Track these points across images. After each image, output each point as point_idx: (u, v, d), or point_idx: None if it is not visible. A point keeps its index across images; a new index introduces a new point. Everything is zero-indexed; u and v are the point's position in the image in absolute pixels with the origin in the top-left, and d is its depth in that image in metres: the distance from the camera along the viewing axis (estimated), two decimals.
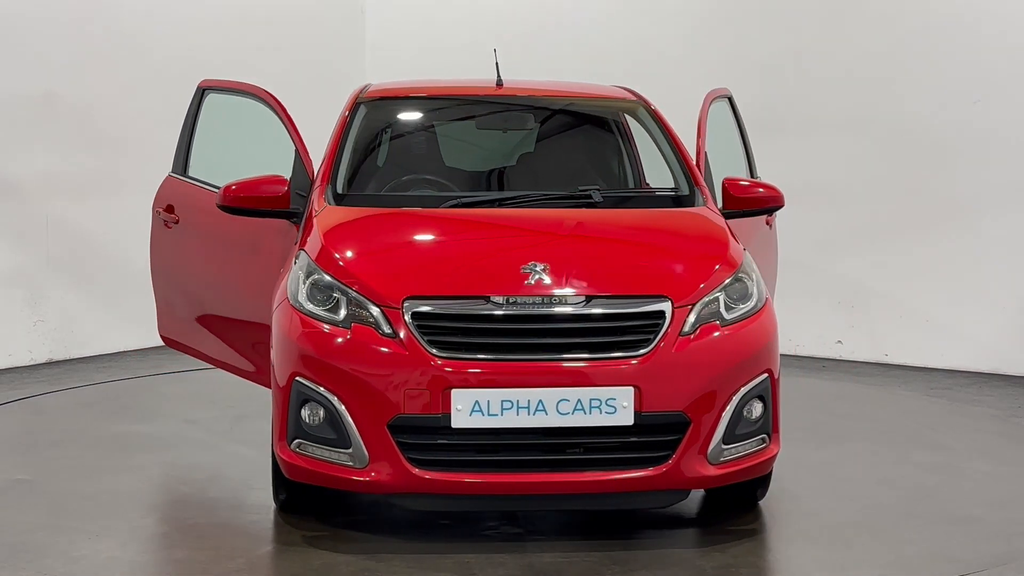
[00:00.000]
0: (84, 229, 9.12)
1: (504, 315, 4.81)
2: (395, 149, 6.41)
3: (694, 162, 5.97)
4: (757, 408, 5.02)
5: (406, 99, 6.52)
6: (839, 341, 9.29)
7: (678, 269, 5.13)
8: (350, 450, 4.84)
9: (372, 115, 6.28)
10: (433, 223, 5.45)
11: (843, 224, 9.27)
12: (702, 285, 5.00)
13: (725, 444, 4.92)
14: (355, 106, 6.23)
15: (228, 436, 6.79)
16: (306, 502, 5.34)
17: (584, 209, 5.57)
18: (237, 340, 6.22)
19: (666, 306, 4.89)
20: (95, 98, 9.14)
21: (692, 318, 4.92)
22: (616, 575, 4.73)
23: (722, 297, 5.03)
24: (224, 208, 5.69)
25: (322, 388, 4.86)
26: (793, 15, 9.51)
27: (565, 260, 5.03)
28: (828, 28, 9.38)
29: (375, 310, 4.86)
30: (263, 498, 5.51)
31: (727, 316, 5.01)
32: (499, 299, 4.83)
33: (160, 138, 9.54)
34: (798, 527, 5.38)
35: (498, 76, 6.51)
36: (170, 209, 6.48)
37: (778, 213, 6.71)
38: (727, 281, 5.08)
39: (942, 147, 8.95)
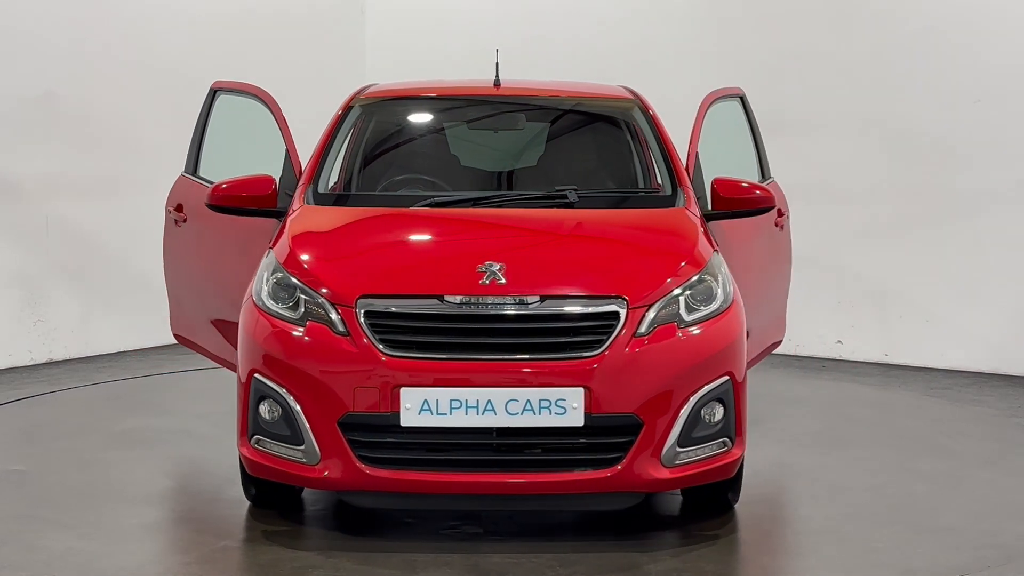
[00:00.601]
0: (84, 229, 9.12)
1: (456, 315, 4.83)
2: (386, 149, 6.45)
3: (684, 163, 5.94)
4: (717, 411, 4.96)
5: (400, 100, 6.54)
6: (839, 341, 9.29)
7: (636, 270, 5.08)
8: (303, 447, 4.88)
9: (365, 116, 6.34)
10: (398, 223, 5.49)
11: (843, 224, 9.27)
12: (660, 286, 4.96)
13: (681, 447, 4.88)
14: (348, 107, 6.29)
15: (226, 434, 6.78)
16: (275, 497, 5.40)
17: (556, 209, 5.55)
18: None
19: (620, 307, 4.87)
20: (95, 98, 9.14)
21: (648, 319, 4.89)
22: (565, 571, 4.72)
23: (683, 298, 4.99)
24: (212, 207, 5.77)
25: (277, 385, 4.92)
26: (794, 16, 9.51)
27: (522, 260, 5.05)
28: (828, 28, 9.38)
29: (331, 309, 4.90)
30: (241, 493, 5.53)
31: (687, 317, 4.97)
32: (453, 299, 4.85)
33: (160, 138, 9.55)
34: (763, 533, 5.33)
35: (496, 76, 6.52)
36: (179, 208, 6.56)
37: None
38: (689, 282, 5.04)
39: (942, 147, 8.95)
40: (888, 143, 9.17)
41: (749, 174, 6.89)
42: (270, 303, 5.06)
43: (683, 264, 5.10)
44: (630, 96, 6.40)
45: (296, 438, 4.90)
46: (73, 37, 8.98)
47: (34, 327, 8.86)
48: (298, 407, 4.87)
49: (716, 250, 5.33)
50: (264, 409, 4.99)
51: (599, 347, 4.81)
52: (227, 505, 5.55)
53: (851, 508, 5.64)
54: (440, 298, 4.85)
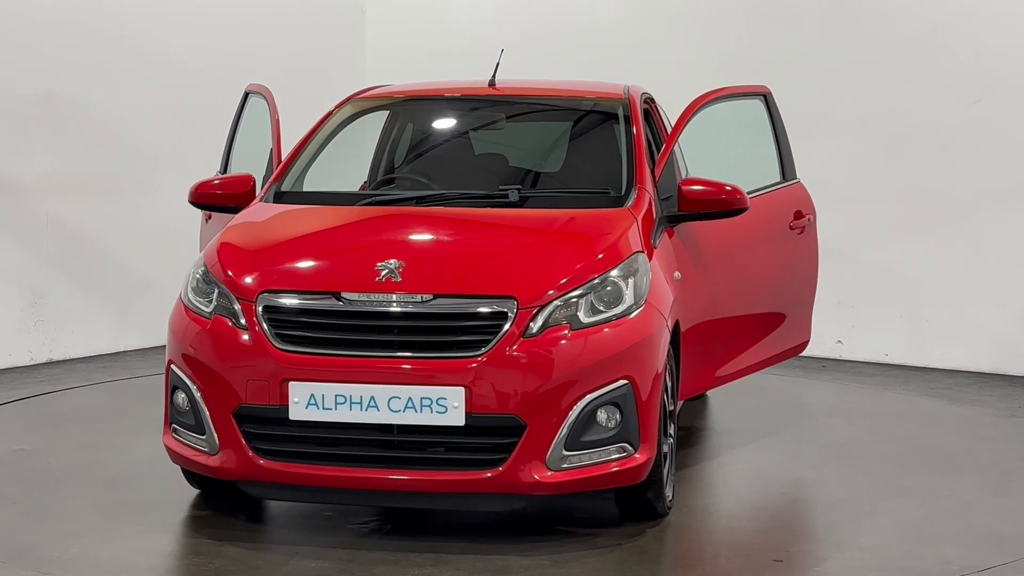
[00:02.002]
0: (84, 229, 9.12)
1: (347, 311, 4.89)
2: (374, 148, 6.60)
3: (652, 162, 5.86)
4: (613, 415, 4.88)
5: (392, 100, 6.66)
6: (839, 341, 9.29)
7: (533, 270, 5.01)
8: (205, 436, 5.03)
9: (355, 116, 6.46)
10: (319, 222, 5.57)
11: (843, 224, 9.26)
12: (554, 287, 4.92)
13: (568, 450, 4.83)
14: (338, 107, 6.43)
15: None
16: (215, 487, 5.46)
17: (483, 209, 5.55)
18: None
19: (509, 307, 4.85)
20: (95, 98, 9.13)
21: (539, 320, 4.85)
22: (417, 573, 4.71)
23: (584, 299, 4.95)
24: (194, 204, 6.02)
25: (186, 376, 5.08)
26: (794, 15, 9.51)
27: (422, 258, 5.08)
28: (828, 28, 9.38)
29: (235, 303, 5.03)
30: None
31: (585, 319, 4.91)
32: (350, 296, 4.90)
33: (160, 138, 9.55)
34: (662, 543, 5.12)
35: (493, 76, 6.55)
36: None
37: None
38: (592, 283, 4.98)
39: (942, 147, 8.95)
40: (888, 143, 9.16)
41: (770, 175, 6.88)
42: (191, 297, 5.22)
43: (587, 264, 5.03)
44: (619, 95, 6.29)
45: (199, 428, 5.05)
46: (73, 37, 8.97)
47: (34, 327, 8.85)
48: (200, 397, 5.01)
49: (641, 251, 5.21)
50: (177, 399, 5.17)
51: (483, 347, 4.80)
52: (189, 491, 5.61)
53: (796, 519, 5.60)
54: (337, 295, 4.92)
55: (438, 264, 5.06)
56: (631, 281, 5.06)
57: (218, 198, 5.95)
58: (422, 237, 5.36)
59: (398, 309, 4.87)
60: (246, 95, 6.94)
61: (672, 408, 5.49)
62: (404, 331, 4.86)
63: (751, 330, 6.56)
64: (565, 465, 4.84)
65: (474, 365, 4.76)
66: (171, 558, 5.01)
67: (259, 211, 5.73)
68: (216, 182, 6.02)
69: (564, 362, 4.82)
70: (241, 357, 4.93)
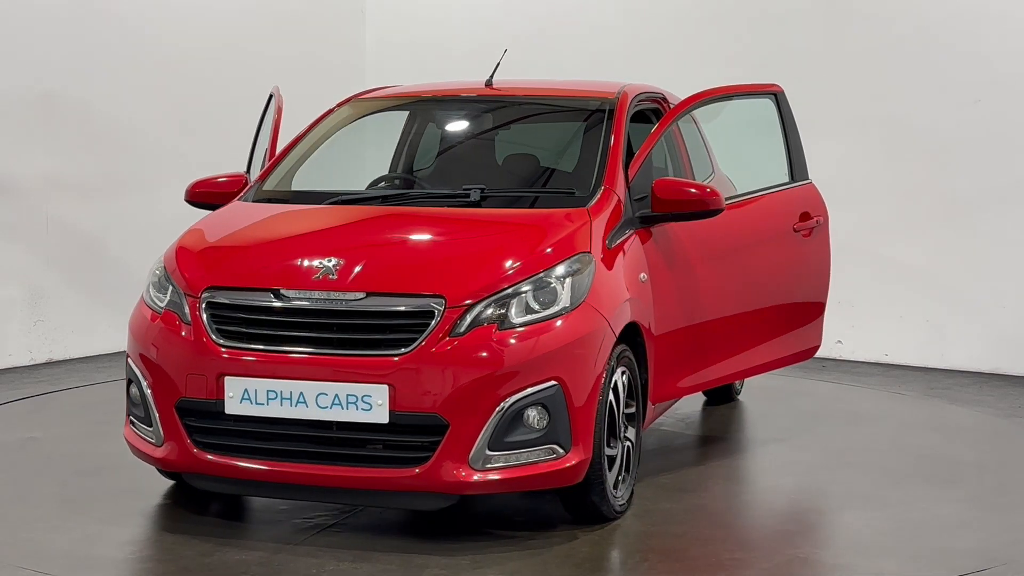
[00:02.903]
0: (84, 229, 9.12)
1: (282, 308, 4.97)
2: (364, 148, 6.72)
3: (626, 161, 5.78)
4: (541, 416, 4.86)
5: (385, 102, 6.73)
6: (839, 341, 9.29)
7: (465, 269, 5.02)
8: (152, 429, 5.18)
9: (349, 118, 6.54)
10: (277, 220, 5.67)
11: (842, 224, 9.24)
12: (483, 286, 4.92)
13: (492, 450, 4.82)
14: (331, 111, 6.54)
15: None
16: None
17: (447, 208, 5.59)
18: None
19: (436, 306, 4.86)
20: (95, 98, 9.14)
21: (467, 319, 4.86)
22: (333, 568, 4.74)
23: (518, 299, 4.94)
24: (189, 202, 6.19)
25: (138, 369, 5.24)
26: (793, 15, 9.51)
27: (360, 257, 5.09)
28: (828, 28, 9.38)
29: (183, 299, 5.16)
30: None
31: (516, 319, 4.91)
32: (288, 293, 4.98)
33: (160, 138, 9.55)
34: (594, 547, 5.03)
35: (490, 77, 6.59)
36: None
37: None
38: (523, 283, 4.97)
39: (942, 147, 8.95)
40: (888, 143, 9.17)
41: (779, 175, 6.87)
42: (150, 293, 5.37)
43: (522, 265, 5.02)
44: (611, 94, 6.24)
45: (148, 420, 5.20)
46: (73, 37, 8.97)
47: (34, 327, 8.86)
48: (148, 390, 5.15)
49: (586, 252, 5.18)
50: (131, 392, 5.35)
51: (409, 345, 4.82)
52: (163, 484, 5.70)
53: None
54: (276, 292, 5.00)
55: (374, 263, 5.08)
56: (568, 282, 5.04)
57: (213, 197, 6.09)
58: (366, 236, 5.42)
59: (331, 307, 4.93)
60: (271, 97, 6.98)
61: (635, 410, 5.47)
62: (336, 328, 4.91)
63: (746, 333, 6.48)
64: (489, 465, 4.83)
65: (401, 363, 4.79)
66: (110, 546, 5.06)
67: (229, 210, 5.88)
68: (212, 181, 6.17)
69: (487, 362, 4.81)
70: (183, 351, 5.06)
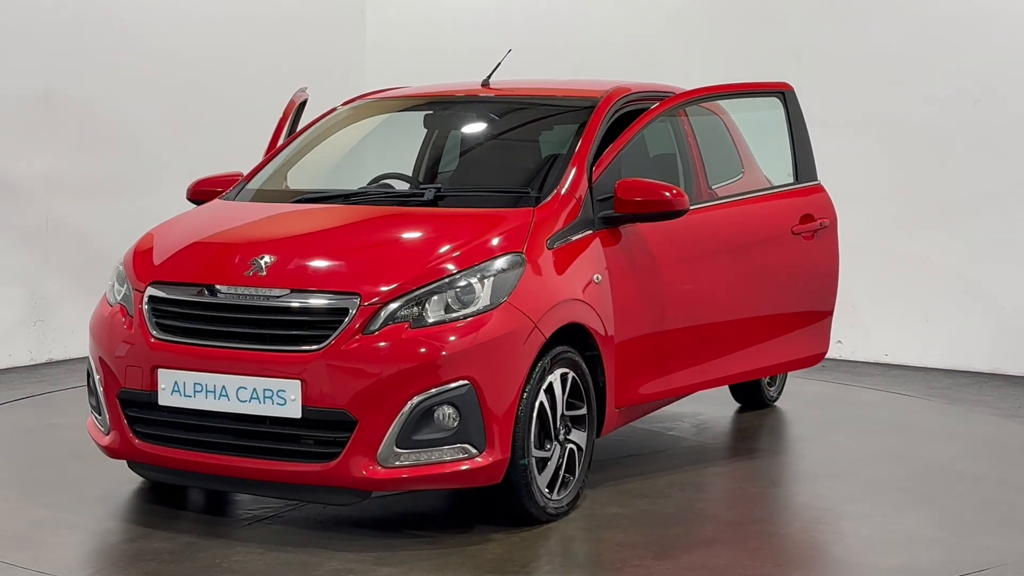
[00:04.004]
0: (84, 229, 9.12)
1: (214, 303, 5.11)
2: (356, 148, 6.76)
3: (592, 164, 5.71)
4: (451, 416, 4.88)
5: (383, 102, 6.78)
6: (839, 341, 9.29)
7: (384, 267, 5.06)
8: (101, 417, 5.39)
9: (343, 118, 6.63)
10: (233, 218, 5.79)
11: (842, 224, 9.26)
12: (399, 284, 4.95)
13: (401, 448, 4.85)
14: (332, 110, 6.66)
15: None
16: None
17: (398, 207, 5.66)
18: None
19: (351, 303, 4.91)
20: (95, 98, 9.14)
21: (381, 317, 4.90)
22: (239, 559, 4.84)
23: (435, 298, 4.96)
24: (191, 201, 6.34)
25: (93, 361, 5.43)
26: (793, 15, 9.51)
27: (291, 254, 5.18)
28: (828, 28, 9.38)
29: (132, 293, 5.35)
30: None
31: (431, 318, 4.93)
32: (222, 288, 5.12)
33: (160, 138, 9.55)
34: (504, 549, 5.00)
35: (487, 77, 6.61)
36: None
37: None
38: (440, 282, 4.99)
39: (942, 147, 8.95)
40: (888, 143, 9.17)
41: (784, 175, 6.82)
42: (113, 288, 5.53)
43: (441, 263, 5.04)
44: (596, 94, 6.18)
45: (99, 408, 5.41)
46: (73, 37, 8.97)
47: (34, 327, 8.86)
48: (99, 380, 5.36)
49: (516, 252, 5.17)
50: (89, 382, 5.50)
51: (323, 342, 4.89)
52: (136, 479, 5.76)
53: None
54: (211, 288, 5.14)
55: (303, 260, 5.16)
56: (489, 281, 5.05)
57: (214, 195, 6.21)
58: (304, 234, 5.50)
59: (257, 303, 5.04)
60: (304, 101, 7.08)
61: (586, 413, 5.42)
62: (260, 324, 5.01)
63: (728, 339, 6.35)
64: (397, 463, 4.86)
65: (311, 359, 4.86)
66: (50, 528, 5.23)
67: (200, 208, 6.07)
68: (213, 180, 6.32)
69: (396, 360, 4.84)
70: (125, 344, 5.24)
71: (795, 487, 6.11)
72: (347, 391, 4.83)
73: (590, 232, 5.56)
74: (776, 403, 7.69)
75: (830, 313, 6.98)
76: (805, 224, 6.71)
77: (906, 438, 6.97)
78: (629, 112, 6.21)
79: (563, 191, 5.56)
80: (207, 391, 5.01)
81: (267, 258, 5.13)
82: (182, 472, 5.19)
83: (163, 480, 5.39)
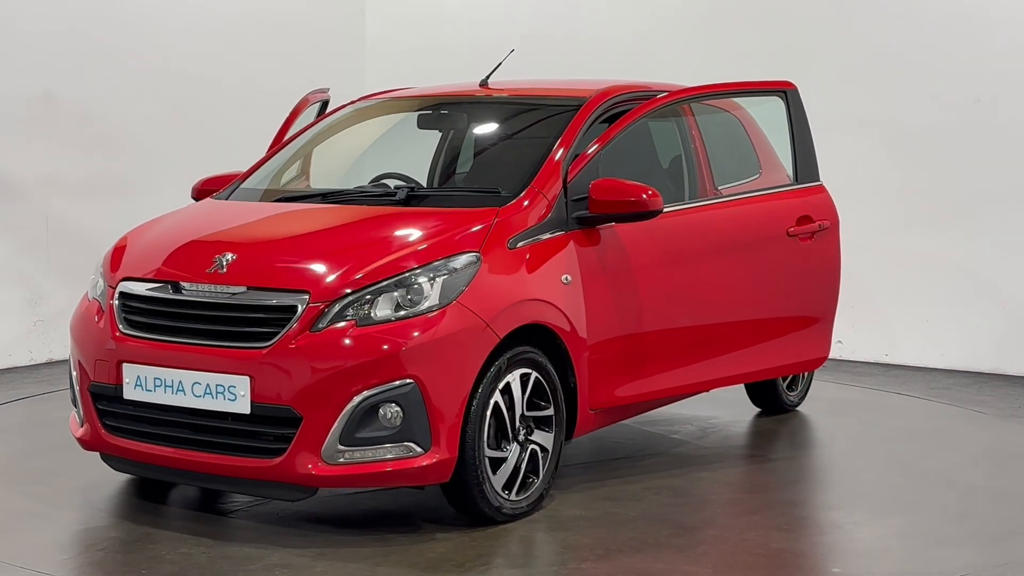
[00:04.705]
0: (84, 229, 9.12)
1: (175, 300, 5.21)
2: (356, 148, 6.82)
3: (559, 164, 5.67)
4: (395, 414, 4.90)
5: (381, 103, 6.81)
6: (839, 341, 9.28)
7: (335, 266, 5.07)
8: (77, 409, 5.53)
9: (342, 120, 6.67)
10: (210, 216, 5.89)
11: (842, 224, 9.27)
12: (346, 282, 4.99)
13: (344, 445, 4.88)
14: (332, 111, 6.72)
15: None
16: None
17: (370, 207, 5.70)
18: None
19: (300, 301, 4.96)
20: (95, 98, 9.14)
21: (329, 315, 4.94)
22: (183, 551, 4.93)
23: (384, 296, 4.99)
24: (195, 200, 6.39)
25: (71, 354, 5.57)
26: (793, 15, 9.51)
27: (251, 252, 5.27)
28: (828, 28, 9.38)
29: (106, 289, 5.47)
30: None
31: (378, 316, 4.96)
32: (185, 285, 5.22)
33: (160, 138, 9.55)
34: (448, 548, 4.99)
35: (486, 77, 6.62)
36: None
37: None
38: (388, 281, 5.01)
39: (942, 147, 8.95)
40: (888, 143, 9.16)
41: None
42: (95, 285, 5.61)
43: (391, 262, 5.06)
44: (585, 94, 6.15)
45: (75, 401, 5.54)
46: (73, 37, 8.97)
47: (34, 327, 8.86)
48: (75, 374, 5.49)
49: (471, 252, 5.17)
50: (71, 376, 5.60)
51: (272, 338, 4.95)
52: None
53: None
54: (176, 284, 5.24)
55: (260, 258, 5.24)
56: (439, 281, 5.06)
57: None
58: (267, 232, 5.58)
59: (215, 300, 5.12)
60: (326, 102, 7.14)
61: (553, 414, 5.39)
62: (217, 320, 5.09)
63: (714, 342, 6.26)
64: (341, 460, 4.90)
65: (259, 356, 4.93)
66: (8, 517, 5.42)
67: (186, 208, 6.15)
68: (218, 179, 6.38)
69: (340, 357, 4.88)
70: (95, 338, 5.36)
71: (774, 494, 5.96)
72: (292, 388, 4.88)
73: (562, 232, 5.54)
74: (798, 408, 7.54)
75: (830, 317, 6.91)
76: (803, 225, 6.65)
77: (906, 444, 6.87)
78: (626, 112, 6.14)
79: (532, 191, 5.55)
80: (166, 386, 5.10)
81: (229, 256, 5.20)
82: (145, 465, 5.30)
83: (129, 472, 5.49)
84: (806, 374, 7.53)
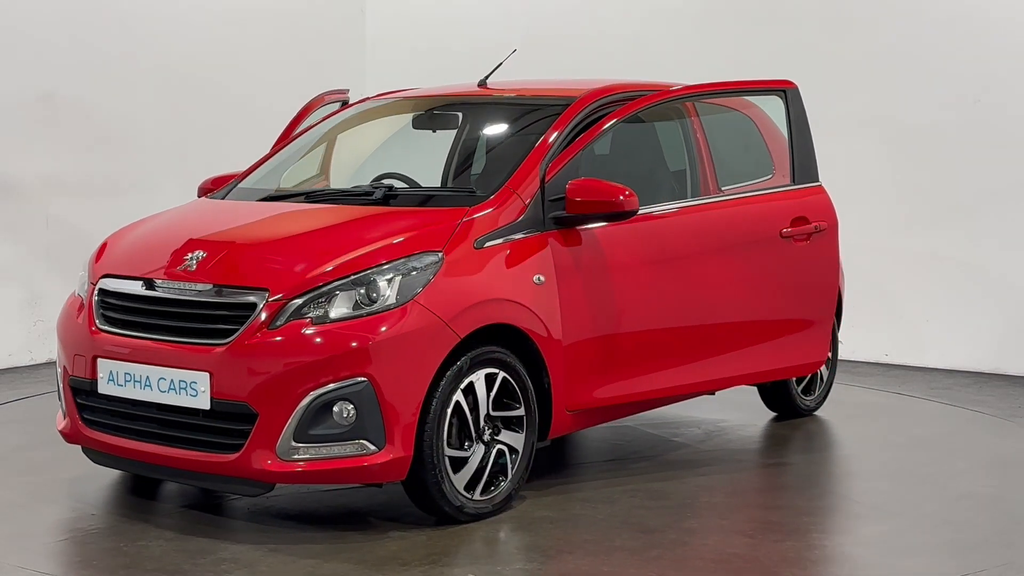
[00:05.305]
0: (84, 229, 9.11)
1: (147, 296, 5.30)
2: (354, 149, 6.87)
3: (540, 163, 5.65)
4: (348, 411, 4.92)
5: (379, 103, 6.82)
6: (840, 341, 9.28)
7: (296, 264, 5.13)
8: (60, 403, 5.63)
9: (340, 123, 6.71)
10: (192, 214, 5.98)
11: (842, 224, 9.25)
12: (303, 281, 5.03)
13: (298, 442, 4.93)
14: (330, 115, 6.78)
15: None
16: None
17: (346, 206, 5.73)
18: None
19: (260, 298, 5.02)
20: (95, 98, 9.13)
21: (287, 312, 4.98)
22: (140, 544, 5.00)
23: (343, 295, 5.01)
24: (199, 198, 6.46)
25: (57, 350, 5.67)
26: (793, 15, 9.51)
27: (221, 250, 5.31)
28: (827, 28, 9.38)
29: (87, 285, 5.57)
30: None
31: (335, 314, 4.99)
32: (158, 282, 5.30)
33: (160, 138, 9.55)
34: (404, 546, 4.99)
35: (484, 78, 6.63)
36: None
37: None
38: (346, 279, 5.03)
39: (942, 147, 8.95)
40: (888, 143, 9.16)
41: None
42: (81, 282, 5.70)
43: (350, 261, 5.08)
44: (575, 94, 6.11)
45: (59, 395, 5.64)
46: (73, 37, 8.97)
47: (34, 327, 8.86)
48: (59, 369, 5.60)
49: (432, 252, 5.17)
50: (56, 371, 5.70)
51: (232, 335, 5.00)
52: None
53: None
54: (150, 281, 5.32)
55: (228, 256, 5.28)
56: (397, 280, 5.07)
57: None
58: (240, 230, 5.62)
59: (183, 297, 5.20)
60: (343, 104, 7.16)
61: (524, 415, 5.37)
62: (183, 317, 5.17)
63: (700, 345, 6.18)
64: (295, 456, 4.94)
65: (219, 352, 4.99)
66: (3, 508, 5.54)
67: (179, 207, 6.23)
68: (223, 178, 6.44)
69: (294, 355, 4.93)
70: (74, 334, 5.48)
71: (754, 498, 5.88)
72: (248, 384, 4.93)
73: (537, 232, 5.52)
74: (816, 412, 7.44)
75: (827, 320, 6.79)
76: (797, 227, 6.54)
77: (905, 449, 6.75)
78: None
79: (505, 191, 5.55)
80: (135, 381, 5.19)
81: (199, 254, 5.26)
82: (118, 458, 5.39)
83: (106, 465, 5.55)
84: (824, 378, 7.44)
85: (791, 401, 7.28)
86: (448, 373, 5.09)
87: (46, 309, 8.90)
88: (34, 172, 8.81)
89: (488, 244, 5.35)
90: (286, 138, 6.79)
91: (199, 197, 6.48)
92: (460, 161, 6.51)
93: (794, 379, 7.15)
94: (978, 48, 8.78)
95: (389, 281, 5.05)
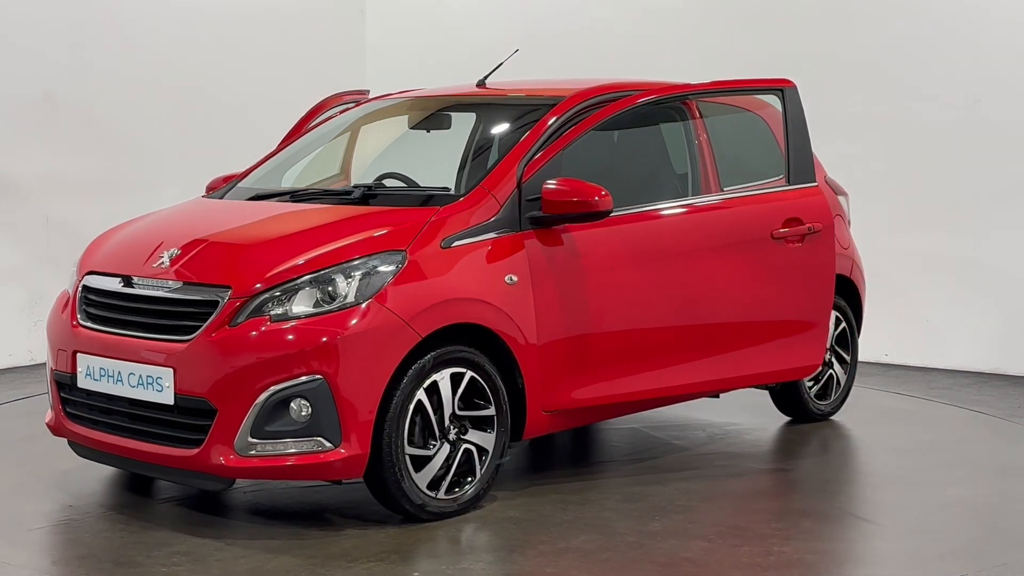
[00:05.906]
0: (84, 229, 9.10)
1: (123, 293, 5.40)
2: (345, 148, 6.88)
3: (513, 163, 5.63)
4: (304, 408, 4.96)
5: (378, 103, 6.85)
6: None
7: (259, 262, 5.19)
8: (48, 397, 5.73)
9: (339, 124, 6.75)
10: (180, 212, 6.07)
11: None
12: (263, 279, 5.09)
13: (255, 438, 4.99)
14: (327, 118, 6.85)
15: None
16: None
17: (325, 205, 5.81)
18: None
19: (221, 296, 5.10)
20: (95, 98, 9.14)
21: (247, 310, 5.05)
22: (106, 537, 5.11)
23: (303, 292, 5.06)
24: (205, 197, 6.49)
25: (47, 345, 5.78)
26: (793, 15, 9.51)
27: (192, 248, 5.37)
28: (827, 28, 9.38)
29: (75, 282, 5.70)
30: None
31: (294, 311, 5.04)
32: (134, 279, 5.41)
33: (160, 138, 9.55)
34: (357, 543, 5.00)
35: (484, 77, 6.63)
36: None
37: None
38: (306, 277, 5.08)
39: (942, 147, 8.95)
40: (888, 143, 9.16)
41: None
42: (71, 279, 5.78)
43: (312, 260, 5.12)
44: (564, 94, 6.07)
45: (48, 390, 5.74)
46: (73, 37, 8.97)
47: (34, 327, 8.85)
48: (48, 364, 5.71)
49: (396, 251, 5.17)
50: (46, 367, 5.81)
51: (194, 332, 5.09)
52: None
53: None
54: (127, 278, 5.44)
55: (199, 253, 5.35)
56: (356, 278, 5.09)
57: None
58: (215, 228, 5.64)
59: (155, 294, 5.30)
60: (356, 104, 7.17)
61: (495, 414, 5.35)
62: (153, 314, 5.27)
63: (693, 345, 6.09)
64: (252, 452, 5.01)
65: (182, 349, 5.08)
66: None
67: (171, 206, 6.33)
68: (229, 178, 6.52)
69: (252, 352, 4.99)
70: (59, 328, 5.62)
71: (729, 503, 5.73)
72: (208, 380, 5.01)
73: (511, 232, 5.49)
74: (833, 416, 7.32)
75: (822, 323, 6.57)
76: (790, 228, 6.38)
77: (905, 455, 6.61)
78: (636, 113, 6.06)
79: (479, 191, 5.54)
80: (109, 376, 5.29)
81: (174, 251, 5.36)
82: (94, 451, 5.49)
83: (88, 458, 5.63)
84: (842, 383, 7.32)
85: (803, 405, 7.15)
86: (410, 372, 5.10)
87: (46, 309, 8.86)
88: (34, 172, 8.82)
89: (457, 244, 5.34)
90: (295, 136, 6.79)
91: (204, 196, 6.51)
92: (462, 161, 6.49)
93: (806, 383, 7.07)
94: (978, 48, 8.78)
95: (349, 280, 5.09)
